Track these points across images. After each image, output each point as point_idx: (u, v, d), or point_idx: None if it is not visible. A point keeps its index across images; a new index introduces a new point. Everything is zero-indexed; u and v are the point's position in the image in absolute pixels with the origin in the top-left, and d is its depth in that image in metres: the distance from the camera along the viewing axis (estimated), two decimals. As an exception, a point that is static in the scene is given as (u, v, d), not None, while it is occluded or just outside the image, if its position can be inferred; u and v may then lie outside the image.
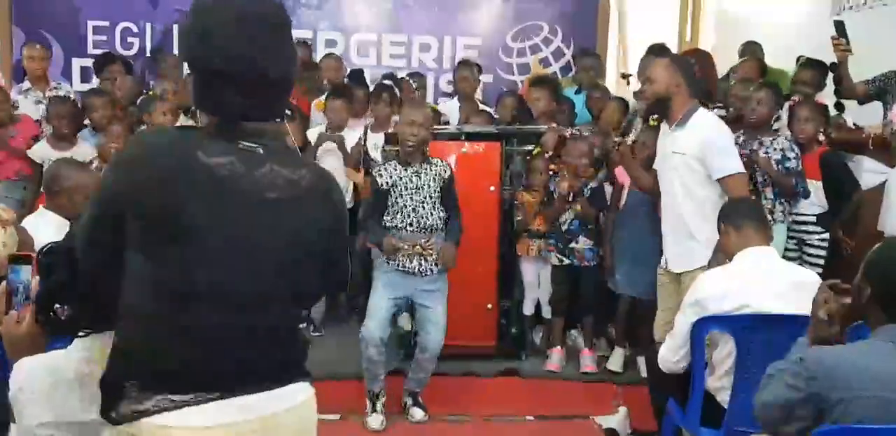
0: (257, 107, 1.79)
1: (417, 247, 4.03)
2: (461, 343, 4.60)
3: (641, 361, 4.63)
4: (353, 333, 5.14)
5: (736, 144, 4.24)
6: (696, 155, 3.79)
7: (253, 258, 1.75)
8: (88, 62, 7.28)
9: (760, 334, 3.03)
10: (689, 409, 3.27)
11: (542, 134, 4.91)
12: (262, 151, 1.77)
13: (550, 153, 4.82)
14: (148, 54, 7.40)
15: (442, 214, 4.09)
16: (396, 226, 4.04)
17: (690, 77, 3.87)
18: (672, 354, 3.26)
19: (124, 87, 5.89)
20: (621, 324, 4.82)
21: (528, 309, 5.00)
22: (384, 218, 4.08)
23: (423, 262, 4.06)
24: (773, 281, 3.10)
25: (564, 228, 4.69)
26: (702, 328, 3.12)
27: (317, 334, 5.25)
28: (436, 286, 4.13)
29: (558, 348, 4.80)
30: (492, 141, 4.79)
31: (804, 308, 3.01)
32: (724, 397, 3.17)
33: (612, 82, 7.64)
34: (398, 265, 4.07)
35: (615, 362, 4.74)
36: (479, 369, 4.70)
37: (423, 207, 4.03)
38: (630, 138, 4.50)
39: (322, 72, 6.21)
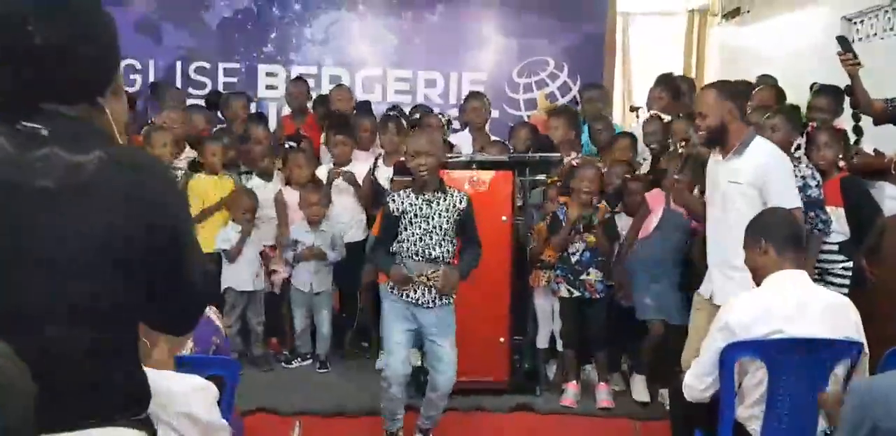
0: (33, 84, 1.46)
1: (422, 277, 3.87)
2: (472, 378, 4.47)
3: (664, 394, 4.49)
4: (361, 368, 5.08)
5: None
6: (754, 183, 3.64)
7: (14, 263, 1.41)
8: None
9: (794, 360, 2.89)
10: (718, 440, 3.11)
11: (555, 162, 4.82)
12: (45, 133, 1.45)
13: (560, 182, 4.72)
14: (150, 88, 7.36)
15: (451, 248, 3.93)
16: (401, 254, 3.90)
17: (740, 101, 3.74)
18: (698, 381, 3.10)
19: None
20: (648, 352, 4.65)
21: (542, 342, 4.85)
22: (392, 246, 3.96)
23: (426, 293, 3.91)
24: (807, 305, 2.96)
25: (575, 259, 4.57)
26: (732, 354, 2.97)
27: (323, 370, 5.10)
28: (442, 320, 3.95)
29: (573, 382, 4.64)
30: (504, 170, 4.69)
31: (838, 332, 2.92)
32: (755, 427, 3.01)
33: (618, 115, 7.61)
34: (402, 296, 3.93)
35: (639, 391, 4.57)
36: (491, 404, 4.53)
37: (431, 238, 3.86)
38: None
39: (331, 103, 6.16)
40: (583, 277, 4.55)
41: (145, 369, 1.64)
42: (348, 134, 5.32)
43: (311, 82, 7.31)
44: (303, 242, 5.04)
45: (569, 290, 4.58)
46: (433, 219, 3.86)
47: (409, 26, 7.81)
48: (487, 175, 4.64)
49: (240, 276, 5.00)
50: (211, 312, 2.60)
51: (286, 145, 5.51)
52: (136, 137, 5.53)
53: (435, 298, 3.89)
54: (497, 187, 4.63)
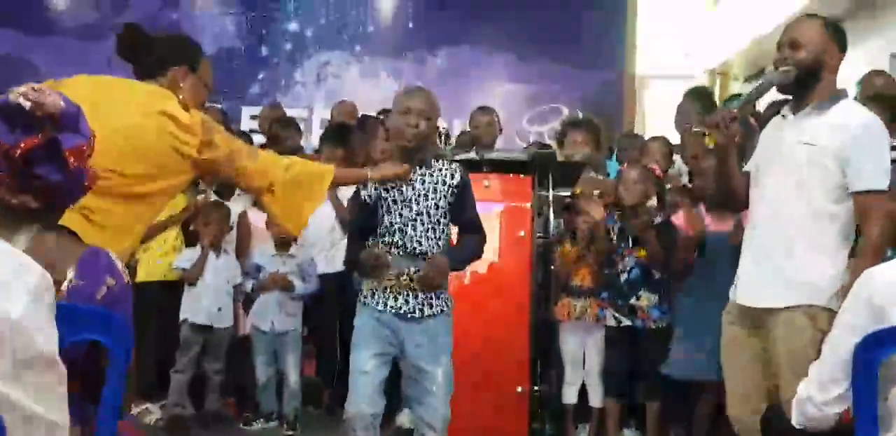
0: None
1: (405, 277, 2.90)
2: (482, 440, 3.56)
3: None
4: (337, 433, 4.01)
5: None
6: (837, 150, 2.72)
7: None
8: None
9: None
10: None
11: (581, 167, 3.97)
12: None
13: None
14: None
15: (444, 240, 3.00)
16: (379, 246, 2.96)
17: (841, 49, 2.87)
18: (822, 392, 2.08)
19: None
20: (702, 423, 3.60)
21: (569, 396, 3.82)
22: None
23: (410, 298, 2.91)
24: None
25: (623, 278, 3.62)
26: (877, 349, 1.98)
27: (290, 433, 4.07)
28: (432, 336, 2.91)
29: (614, 448, 3.59)
30: (522, 175, 3.83)
31: None
32: (911, 469, 2.00)
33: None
34: (377, 303, 2.92)
35: None
36: (506, 475, 3.48)
37: (414, 228, 2.92)
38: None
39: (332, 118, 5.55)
40: (633, 301, 3.60)
41: None
42: (344, 146, 4.47)
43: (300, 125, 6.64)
44: (266, 268, 4.10)
45: (616, 317, 3.62)
46: (416, 203, 2.94)
47: (412, 68, 7.15)
48: (502, 180, 3.80)
49: (198, 305, 4.04)
50: (113, 255, 1.70)
51: None
52: None
53: (423, 304, 2.90)
54: (514, 194, 3.78)
